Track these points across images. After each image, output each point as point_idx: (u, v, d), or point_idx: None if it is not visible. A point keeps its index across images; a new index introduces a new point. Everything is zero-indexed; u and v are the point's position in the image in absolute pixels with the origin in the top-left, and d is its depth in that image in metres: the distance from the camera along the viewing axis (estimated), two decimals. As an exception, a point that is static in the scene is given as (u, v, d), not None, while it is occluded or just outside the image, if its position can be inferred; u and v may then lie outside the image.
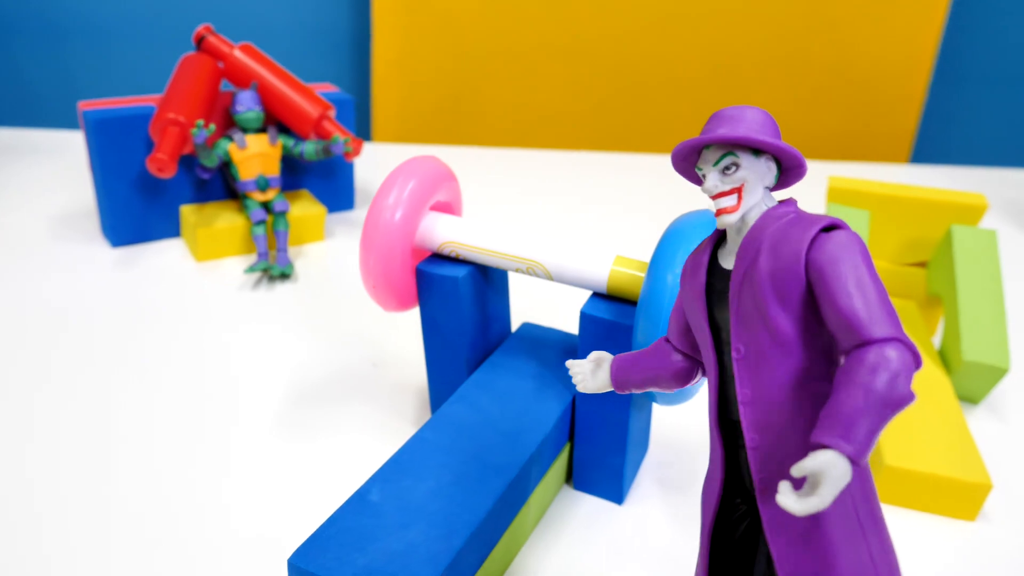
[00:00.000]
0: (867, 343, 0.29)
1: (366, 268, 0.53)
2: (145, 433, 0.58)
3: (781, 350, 0.31)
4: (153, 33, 1.37)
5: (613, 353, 0.50)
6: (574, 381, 0.40)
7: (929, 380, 0.66)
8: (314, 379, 0.66)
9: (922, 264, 0.79)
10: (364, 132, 1.53)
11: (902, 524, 0.55)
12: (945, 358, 0.70)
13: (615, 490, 0.54)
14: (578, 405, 0.53)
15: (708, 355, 0.35)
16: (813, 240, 0.31)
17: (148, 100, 0.85)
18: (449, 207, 0.58)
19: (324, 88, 0.96)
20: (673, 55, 1.43)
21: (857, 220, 0.75)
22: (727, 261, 0.34)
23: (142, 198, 0.85)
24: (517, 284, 0.83)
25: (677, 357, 0.38)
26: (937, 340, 0.78)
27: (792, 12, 1.40)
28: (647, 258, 0.88)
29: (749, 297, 0.32)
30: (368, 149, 1.24)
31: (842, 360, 0.30)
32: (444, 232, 0.54)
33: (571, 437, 0.55)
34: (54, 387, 0.62)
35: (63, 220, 0.92)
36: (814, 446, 0.28)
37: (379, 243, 0.52)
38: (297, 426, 0.60)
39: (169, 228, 0.88)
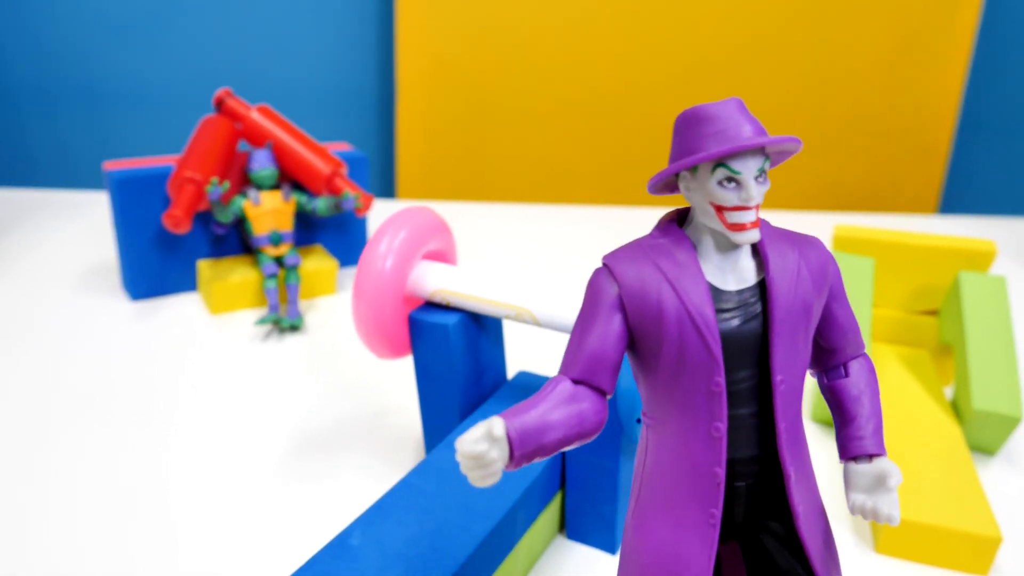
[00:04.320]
0: (863, 354, 0.33)
1: (358, 315, 0.54)
2: (152, 475, 0.59)
3: (802, 378, 0.31)
4: (184, 97, 1.43)
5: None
6: (477, 476, 0.28)
7: (939, 431, 0.64)
8: (317, 427, 0.66)
9: (933, 312, 0.78)
10: (389, 189, 1.56)
11: (910, 578, 0.53)
12: (957, 408, 0.68)
13: (608, 539, 0.53)
14: (568, 452, 0.53)
15: (707, 388, 0.29)
16: (830, 261, 0.32)
17: (169, 160, 0.88)
18: (443, 256, 0.59)
19: (339, 147, 0.98)
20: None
21: (862, 268, 0.74)
22: (725, 281, 0.30)
23: (161, 253, 0.88)
24: (522, 334, 0.83)
25: (599, 403, 0.31)
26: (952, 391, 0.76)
27: (814, 66, 1.42)
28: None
29: (799, 318, 0.30)
30: (392, 205, 1.27)
31: (844, 370, 0.33)
32: (434, 280, 0.55)
33: (563, 485, 0.54)
34: (73, 430, 0.64)
35: (87, 274, 0.95)
36: (866, 457, 0.31)
37: (370, 291, 0.53)
38: (297, 472, 0.60)
39: (186, 282, 0.90)
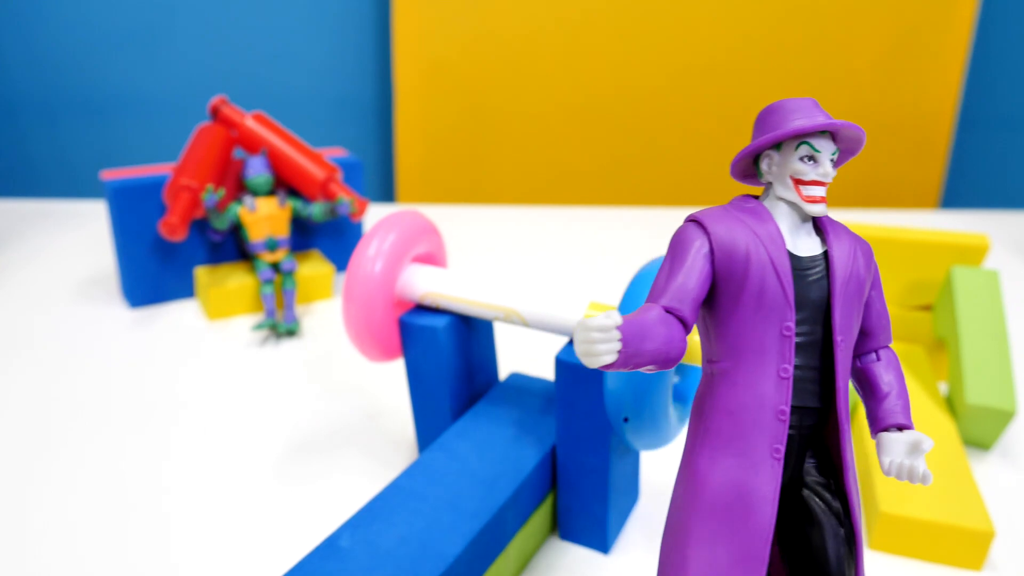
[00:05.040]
0: (890, 346, 0.37)
1: (348, 318, 0.54)
2: (151, 479, 0.59)
3: (853, 342, 0.35)
4: (184, 105, 1.44)
5: (587, 399, 0.50)
6: (602, 350, 0.30)
7: (934, 426, 0.64)
8: (313, 431, 0.67)
9: (928, 307, 0.78)
10: (388, 194, 1.57)
11: (905, 574, 0.53)
12: (951, 403, 0.68)
13: (600, 539, 0.54)
14: (558, 452, 0.53)
15: (779, 331, 0.33)
16: (873, 254, 0.36)
17: (165, 168, 0.89)
18: (432, 258, 0.59)
19: (334, 152, 0.99)
20: (689, 111, 1.45)
21: (855, 264, 0.74)
22: (796, 247, 0.35)
23: (158, 261, 0.88)
24: (515, 336, 0.83)
25: (682, 333, 0.33)
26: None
27: (813, 63, 1.42)
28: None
29: (854, 291, 0.34)
30: (391, 210, 1.28)
31: (876, 355, 0.36)
32: (424, 283, 0.55)
33: (554, 486, 0.55)
34: (73, 436, 0.65)
35: (87, 282, 0.96)
36: (896, 427, 0.34)
37: (360, 294, 0.54)
38: (294, 475, 0.61)
39: (184, 288, 0.91)
